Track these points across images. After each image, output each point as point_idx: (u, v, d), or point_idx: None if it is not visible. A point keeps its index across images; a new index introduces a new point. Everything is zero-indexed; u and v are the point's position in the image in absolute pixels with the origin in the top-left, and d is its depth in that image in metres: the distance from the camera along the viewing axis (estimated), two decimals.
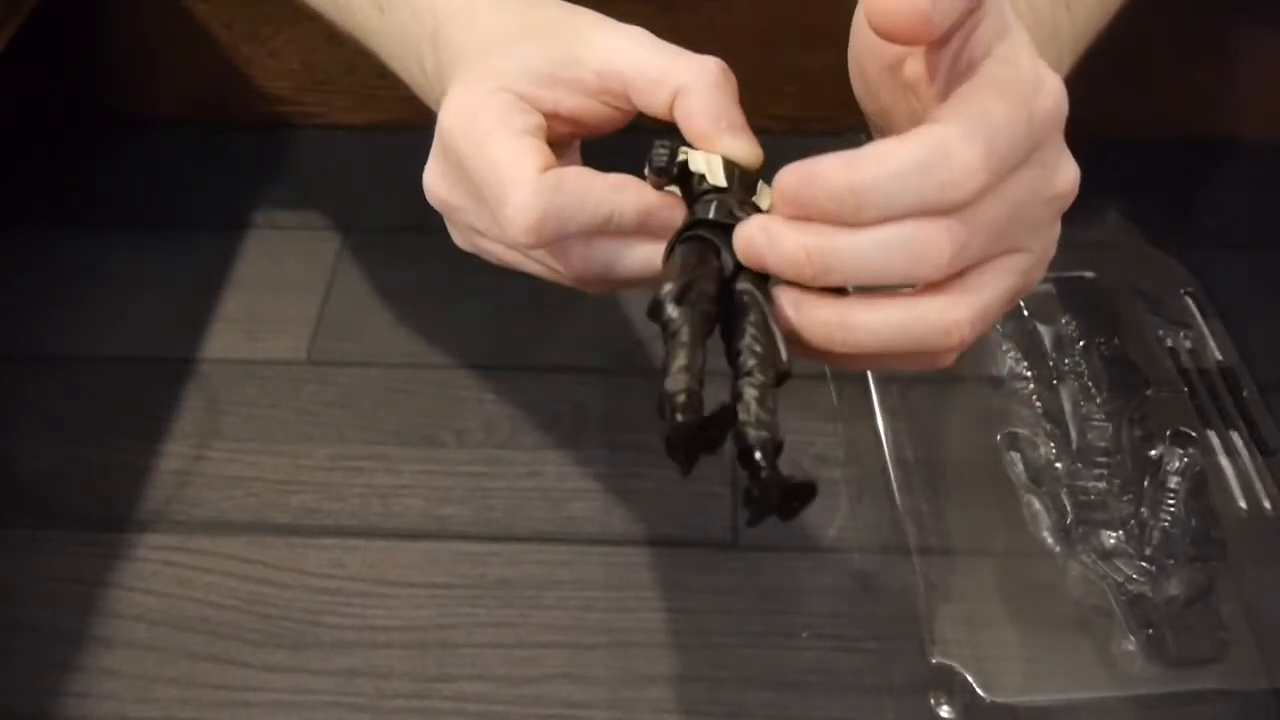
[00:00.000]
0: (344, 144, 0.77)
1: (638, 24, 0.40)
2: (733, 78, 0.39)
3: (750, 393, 0.33)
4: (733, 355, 0.35)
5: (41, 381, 0.63)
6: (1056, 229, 0.36)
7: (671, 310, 0.34)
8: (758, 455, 0.33)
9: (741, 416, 0.33)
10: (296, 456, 0.59)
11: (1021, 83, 0.33)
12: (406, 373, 0.63)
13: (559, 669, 0.51)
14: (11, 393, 0.62)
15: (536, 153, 0.37)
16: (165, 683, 0.51)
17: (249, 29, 0.75)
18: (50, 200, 0.73)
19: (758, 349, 0.34)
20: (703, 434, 0.33)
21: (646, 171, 0.38)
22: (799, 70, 0.70)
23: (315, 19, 0.52)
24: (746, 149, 0.38)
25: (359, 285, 0.68)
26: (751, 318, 0.35)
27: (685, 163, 0.38)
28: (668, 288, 0.34)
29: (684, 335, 0.33)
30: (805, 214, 0.33)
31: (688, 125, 0.38)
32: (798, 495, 0.33)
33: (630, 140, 0.41)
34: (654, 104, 0.38)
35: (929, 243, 0.32)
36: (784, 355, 0.34)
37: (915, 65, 0.36)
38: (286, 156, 0.77)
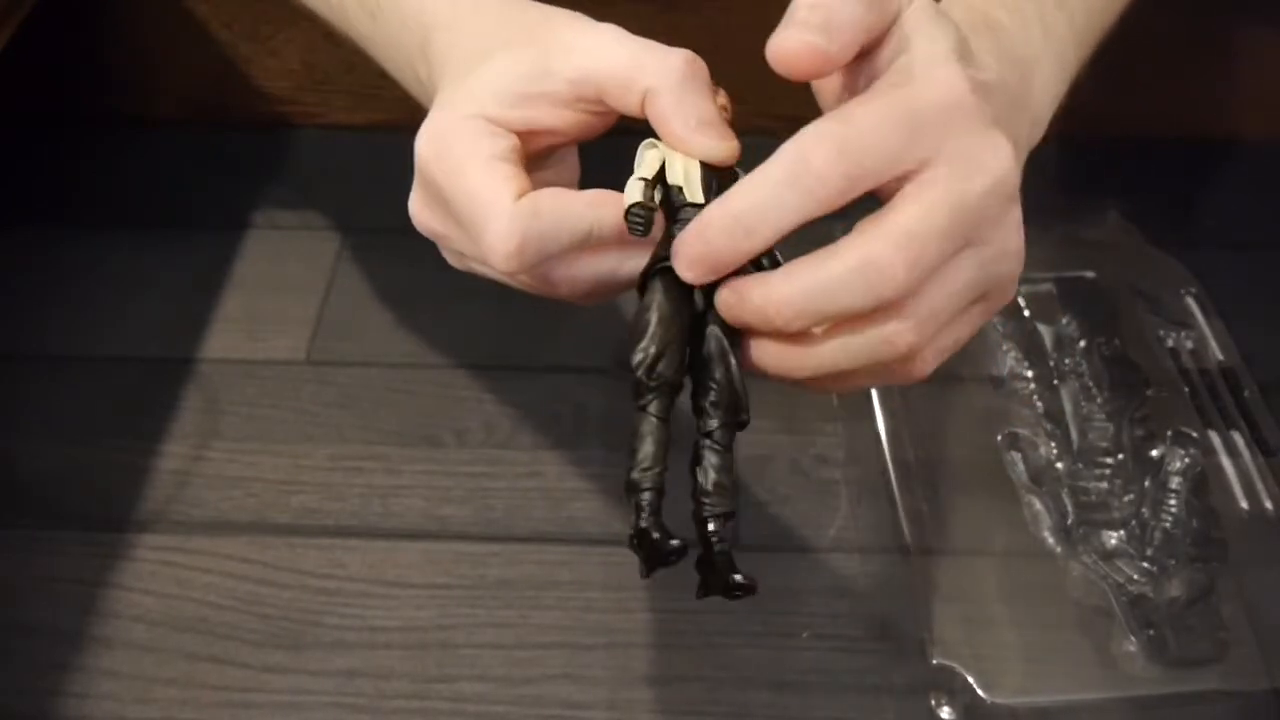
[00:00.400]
0: (344, 144, 0.77)
1: (638, 24, 0.39)
2: (702, 68, 0.39)
3: (711, 459, 0.36)
4: (698, 407, 0.37)
5: (41, 381, 0.63)
6: (1013, 216, 0.36)
7: (643, 387, 0.36)
8: (711, 527, 0.36)
9: (700, 482, 0.36)
10: (296, 456, 0.59)
11: (907, 85, 0.35)
12: (406, 373, 0.63)
13: (559, 669, 0.51)
14: (11, 393, 0.62)
15: (510, 179, 0.37)
16: (164, 683, 0.51)
17: (249, 29, 0.75)
18: (50, 200, 0.73)
19: (721, 406, 0.36)
20: (663, 549, 0.36)
21: (632, 198, 0.38)
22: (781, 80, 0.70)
23: (314, 20, 0.52)
24: (718, 148, 0.38)
25: (359, 285, 0.68)
26: (717, 374, 0.36)
27: (662, 170, 0.38)
28: (638, 357, 0.36)
29: (653, 419, 0.36)
30: (712, 262, 0.35)
31: (659, 127, 0.38)
32: (740, 588, 0.36)
33: (628, 143, 0.41)
34: (627, 106, 0.38)
35: (880, 264, 0.33)
36: (746, 407, 0.37)
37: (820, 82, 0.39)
38: (286, 156, 0.77)
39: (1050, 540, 0.51)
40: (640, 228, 0.37)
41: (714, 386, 0.36)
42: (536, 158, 0.41)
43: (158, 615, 0.53)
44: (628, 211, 0.37)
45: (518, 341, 0.64)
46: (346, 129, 0.78)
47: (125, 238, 0.70)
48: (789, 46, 0.34)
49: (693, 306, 0.37)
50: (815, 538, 0.56)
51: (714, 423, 0.36)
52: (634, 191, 0.37)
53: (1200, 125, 0.75)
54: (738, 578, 0.35)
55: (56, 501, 0.57)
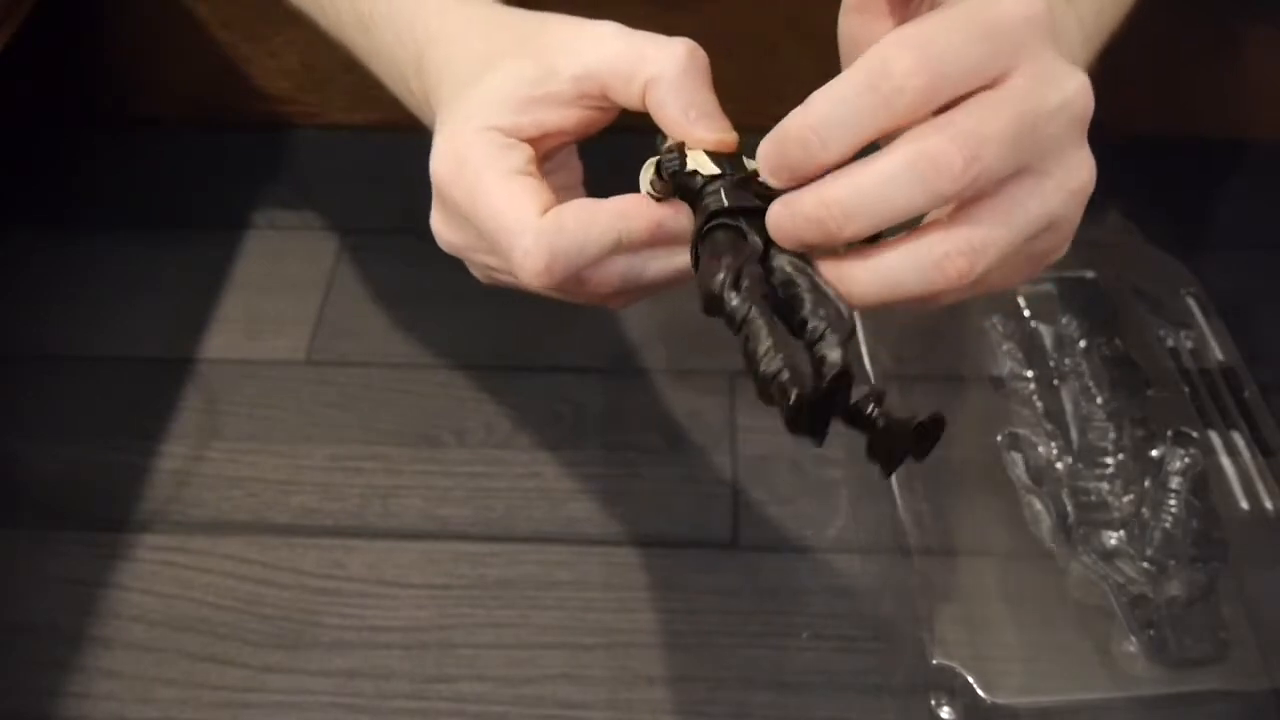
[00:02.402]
0: (344, 144, 0.77)
1: (638, 24, 0.39)
2: (702, 57, 0.38)
3: (834, 354, 0.33)
4: (798, 326, 0.34)
5: (41, 381, 0.63)
6: (1082, 151, 0.35)
7: (733, 299, 0.34)
8: (871, 409, 0.32)
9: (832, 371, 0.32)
10: (296, 456, 0.59)
11: (969, 3, 0.34)
12: (406, 373, 0.63)
13: (559, 669, 0.51)
14: (11, 393, 0.62)
15: (533, 193, 0.37)
16: (164, 683, 0.51)
17: (249, 29, 0.75)
18: (51, 200, 0.73)
19: (821, 312, 0.34)
20: (825, 401, 0.32)
21: (650, 176, 0.38)
22: (799, 70, 0.70)
23: (313, 25, 0.52)
24: (716, 137, 0.37)
25: (359, 285, 0.68)
26: (803, 284, 0.34)
27: (675, 163, 0.38)
28: (719, 278, 0.34)
29: (756, 317, 0.33)
30: (789, 172, 0.34)
31: (659, 116, 0.38)
32: (927, 434, 0.33)
33: (628, 141, 0.41)
34: (630, 99, 0.38)
35: (935, 156, 0.32)
36: (845, 311, 0.34)
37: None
38: (286, 156, 0.77)
39: (1050, 540, 0.51)
40: (675, 165, 0.36)
41: (806, 297, 0.34)
42: (543, 160, 0.40)
43: (158, 615, 0.53)
44: (660, 162, 0.37)
45: (518, 341, 0.64)
46: (346, 129, 0.78)
47: (125, 238, 0.70)
48: None
49: (754, 252, 0.36)
50: (815, 538, 0.56)
51: (822, 325, 0.33)
52: (646, 172, 0.37)
53: (1200, 125, 0.75)
54: (917, 420, 0.32)
55: (56, 501, 0.57)
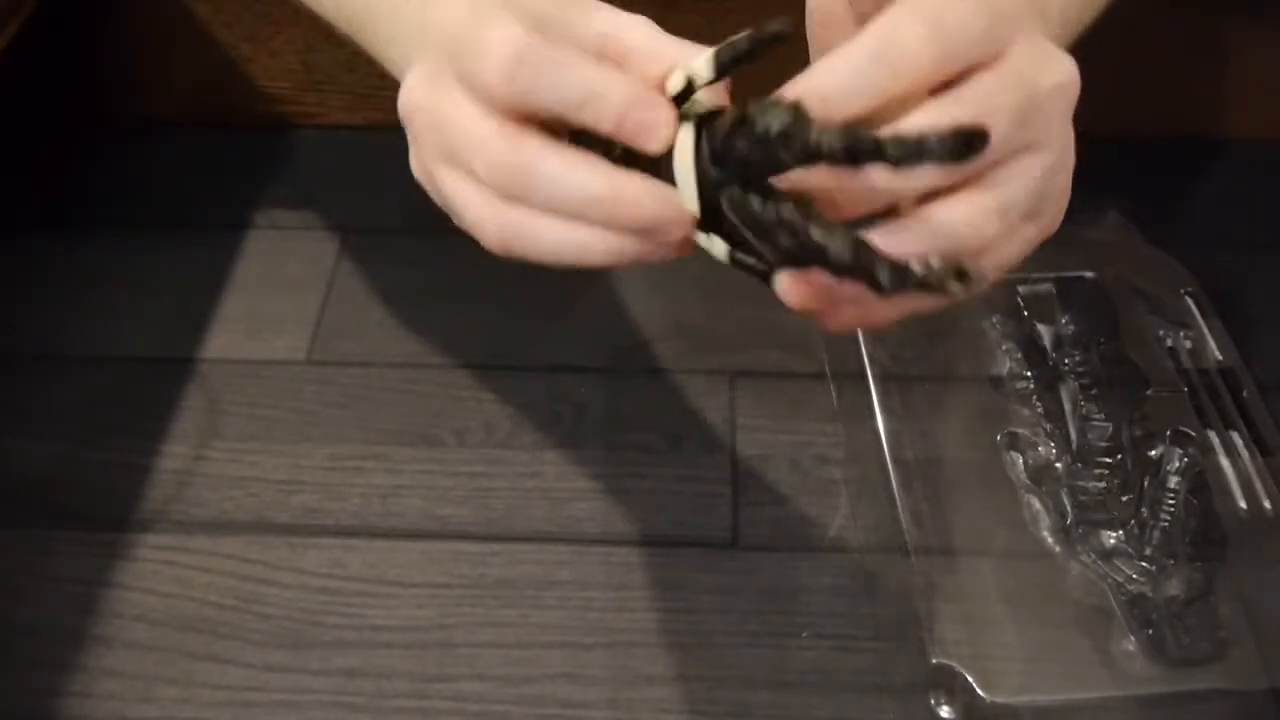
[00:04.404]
0: (344, 144, 0.77)
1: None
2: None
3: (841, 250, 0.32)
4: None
5: (41, 381, 0.63)
6: (1071, 132, 0.36)
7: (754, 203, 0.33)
8: (884, 278, 0.31)
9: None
10: (296, 456, 0.59)
11: None
12: (406, 373, 0.63)
13: (559, 669, 0.51)
14: (11, 393, 0.62)
15: (528, 26, 0.35)
16: (165, 682, 0.51)
17: (249, 29, 0.75)
18: (51, 200, 0.73)
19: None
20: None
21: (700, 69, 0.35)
22: (799, 68, 0.70)
23: (313, 16, 0.52)
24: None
25: (359, 285, 0.68)
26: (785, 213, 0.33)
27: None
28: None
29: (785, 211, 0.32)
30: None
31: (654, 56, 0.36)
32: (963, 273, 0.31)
33: None
34: (647, 74, 0.36)
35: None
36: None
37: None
38: (286, 156, 0.77)
39: (1049, 540, 0.51)
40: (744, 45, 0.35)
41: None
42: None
43: (159, 615, 0.53)
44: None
45: (518, 341, 0.64)
46: (346, 129, 0.78)
47: (125, 238, 0.70)
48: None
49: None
50: (815, 538, 0.56)
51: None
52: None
53: (1200, 125, 0.75)
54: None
55: (56, 501, 0.57)
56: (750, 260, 0.35)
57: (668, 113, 0.35)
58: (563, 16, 0.37)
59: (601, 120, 0.35)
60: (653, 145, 0.35)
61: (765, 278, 0.35)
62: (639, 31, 0.37)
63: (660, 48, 0.36)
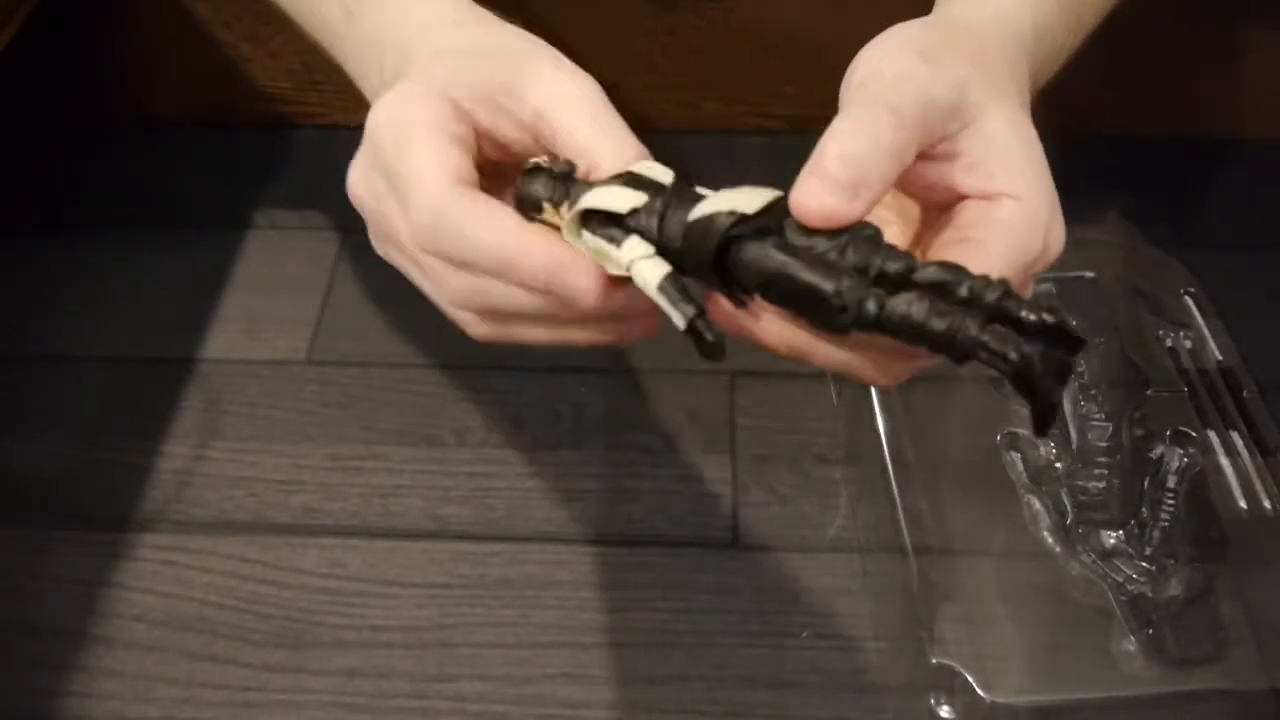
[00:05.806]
0: (344, 144, 0.76)
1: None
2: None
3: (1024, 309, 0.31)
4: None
5: (41, 381, 0.63)
6: (1043, 167, 0.36)
7: (869, 301, 0.32)
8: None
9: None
10: (296, 456, 0.59)
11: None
12: (406, 373, 0.63)
13: (559, 669, 0.51)
14: (11, 393, 0.62)
15: (457, 161, 0.36)
16: (165, 682, 0.51)
17: (249, 29, 0.75)
18: (51, 200, 0.73)
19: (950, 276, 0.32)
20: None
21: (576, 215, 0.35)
22: (799, 70, 0.70)
23: (285, 19, 0.51)
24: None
25: (359, 285, 0.68)
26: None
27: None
28: (833, 286, 0.32)
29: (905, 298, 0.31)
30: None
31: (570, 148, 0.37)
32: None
33: None
34: (567, 154, 0.37)
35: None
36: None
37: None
38: (286, 156, 0.77)
39: (1049, 539, 0.51)
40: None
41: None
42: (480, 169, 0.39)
43: (159, 614, 0.53)
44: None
45: None
46: (346, 129, 0.78)
47: (126, 238, 0.70)
48: (810, 205, 0.32)
49: None
50: (815, 538, 0.56)
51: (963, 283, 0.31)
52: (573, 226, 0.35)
53: (1200, 125, 0.75)
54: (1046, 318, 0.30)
55: (56, 501, 0.57)
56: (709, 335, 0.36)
57: (588, 279, 0.34)
58: (501, 94, 0.37)
59: (525, 286, 0.35)
60: (583, 306, 0.35)
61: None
62: (566, 117, 0.37)
63: (582, 143, 0.36)
